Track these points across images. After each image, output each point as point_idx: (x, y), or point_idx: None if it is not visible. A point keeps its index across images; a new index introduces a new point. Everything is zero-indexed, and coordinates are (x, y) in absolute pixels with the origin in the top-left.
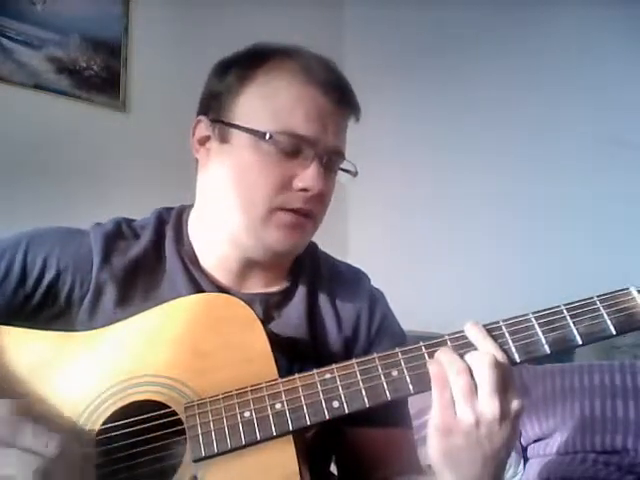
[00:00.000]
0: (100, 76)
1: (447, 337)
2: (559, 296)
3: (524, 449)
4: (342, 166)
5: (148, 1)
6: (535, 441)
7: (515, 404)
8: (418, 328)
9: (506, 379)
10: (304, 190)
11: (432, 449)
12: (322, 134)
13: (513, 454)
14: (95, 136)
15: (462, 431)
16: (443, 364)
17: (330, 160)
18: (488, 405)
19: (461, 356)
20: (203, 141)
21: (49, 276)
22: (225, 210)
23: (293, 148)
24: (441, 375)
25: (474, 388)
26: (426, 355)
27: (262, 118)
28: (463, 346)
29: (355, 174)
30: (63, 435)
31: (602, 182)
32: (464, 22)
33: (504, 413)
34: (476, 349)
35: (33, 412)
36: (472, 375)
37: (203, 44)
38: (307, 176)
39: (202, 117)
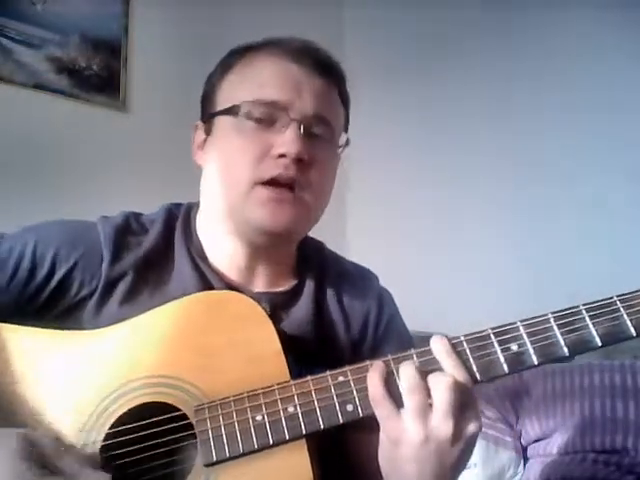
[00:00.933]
0: (100, 76)
1: (414, 352)
2: (559, 295)
3: (524, 449)
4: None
5: (148, 1)
6: (535, 441)
7: (471, 426)
8: (418, 328)
9: (464, 400)
10: (283, 156)
11: (381, 456)
12: (296, 98)
13: (513, 454)
14: (95, 136)
15: (410, 445)
16: (404, 380)
17: (311, 126)
18: (440, 425)
19: (424, 373)
20: (201, 145)
21: (59, 272)
22: (218, 197)
23: (267, 116)
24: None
25: (427, 407)
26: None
27: (237, 96)
28: (429, 363)
29: (346, 144)
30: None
31: (602, 182)
32: (464, 22)
33: (457, 434)
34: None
35: (42, 460)
36: (429, 393)
37: (203, 44)
38: (283, 140)
39: (198, 122)
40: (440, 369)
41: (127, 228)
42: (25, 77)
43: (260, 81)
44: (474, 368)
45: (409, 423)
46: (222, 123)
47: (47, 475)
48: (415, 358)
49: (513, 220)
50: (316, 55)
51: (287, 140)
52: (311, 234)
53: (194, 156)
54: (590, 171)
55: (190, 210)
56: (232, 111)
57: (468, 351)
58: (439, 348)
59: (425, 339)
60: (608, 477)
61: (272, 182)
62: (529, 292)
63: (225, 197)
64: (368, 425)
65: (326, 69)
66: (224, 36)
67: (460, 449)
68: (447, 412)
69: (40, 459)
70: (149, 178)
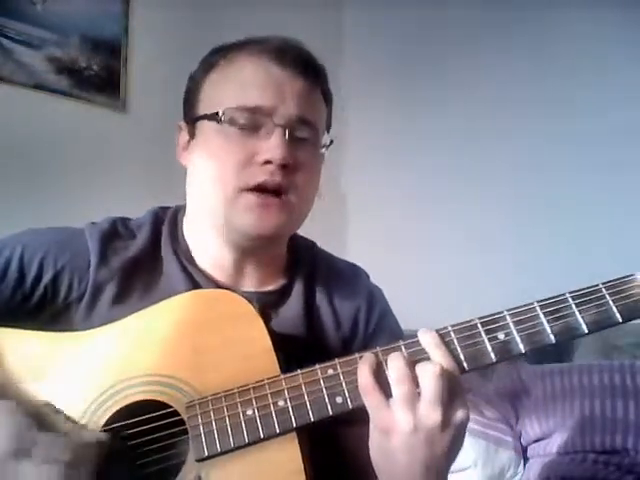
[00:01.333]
0: (100, 76)
1: (402, 344)
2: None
3: (524, 449)
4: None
5: (148, 1)
6: (535, 441)
7: (459, 414)
8: (417, 327)
9: (452, 388)
10: (268, 162)
11: (371, 447)
12: (279, 102)
13: (513, 454)
14: (95, 136)
15: (399, 434)
16: (392, 369)
17: (295, 129)
18: (429, 413)
19: (412, 362)
20: (186, 146)
21: (47, 277)
22: (204, 202)
23: (251, 122)
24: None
25: (416, 396)
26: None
27: (219, 101)
28: (417, 353)
29: (329, 144)
30: (75, 438)
31: (602, 182)
32: (464, 22)
33: (446, 422)
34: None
35: (39, 418)
36: (416, 382)
37: (203, 44)
38: (268, 146)
39: (181, 123)
40: (428, 359)
41: (114, 233)
42: (25, 77)
43: (242, 84)
44: (461, 357)
45: (398, 412)
46: (205, 128)
47: (43, 429)
48: (403, 349)
49: (513, 223)
50: (297, 54)
51: (272, 146)
52: (312, 239)
53: (178, 157)
54: (590, 171)
55: (177, 213)
56: (215, 117)
57: (456, 341)
58: (427, 340)
59: None
60: (608, 477)
61: (258, 188)
62: (529, 293)
63: (211, 202)
64: (359, 418)
65: (308, 69)
66: (224, 37)
67: (449, 437)
68: (435, 400)
69: (35, 416)
70: (149, 178)
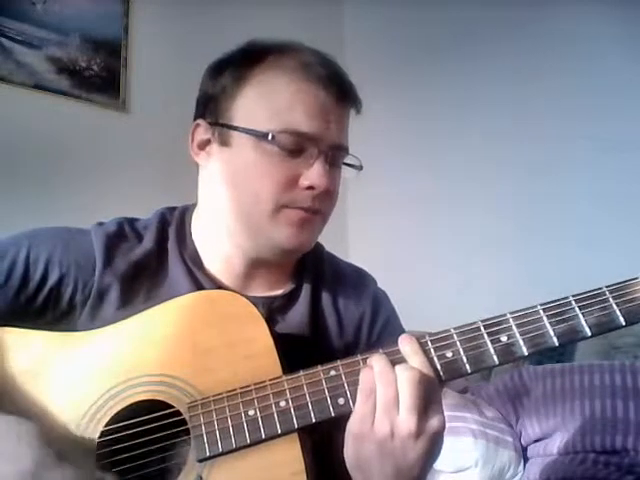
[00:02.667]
0: (100, 76)
1: (381, 351)
2: (560, 294)
3: (524, 449)
4: (346, 161)
5: (148, 1)
6: (535, 441)
7: (434, 422)
8: (418, 328)
9: (428, 396)
10: (310, 188)
11: (346, 452)
12: (325, 130)
13: (513, 454)
14: (95, 136)
15: (375, 440)
16: (375, 373)
17: (334, 156)
18: (405, 420)
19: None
20: (203, 145)
21: (52, 278)
22: (228, 212)
23: (296, 146)
24: (370, 384)
25: (397, 401)
26: (432, 351)
27: (262, 118)
28: (398, 360)
29: (360, 168)
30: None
31: (601, 184)
32: (464, 20)
33: (420, 430)
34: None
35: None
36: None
37: (203, 44)
38: (313, 174)
39: (200, 121)
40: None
41: (120, 234)
42: (25, 77)
43: (287, 108)
44: (438, 366)
45: (378, 417)
46: (242, 140)
47: (63, 462)
48: (380, 352)
49: (514, 223)
50: (341, 80)
51: (316, 174)
52: None
53: (194, 154)
54: (589, 170)
55: (184, 214)
56: (260, 135)
57: (432, 351)
58: (406, 349)
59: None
60: (608, 477)
61: (300, 207)
62: (530, 293)
63: (242, 215)
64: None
65: (349, 95)
66: (224, 36)
67: (423, 444)
68: (411, 406)
69: (55, 448)
70: (149, 178)
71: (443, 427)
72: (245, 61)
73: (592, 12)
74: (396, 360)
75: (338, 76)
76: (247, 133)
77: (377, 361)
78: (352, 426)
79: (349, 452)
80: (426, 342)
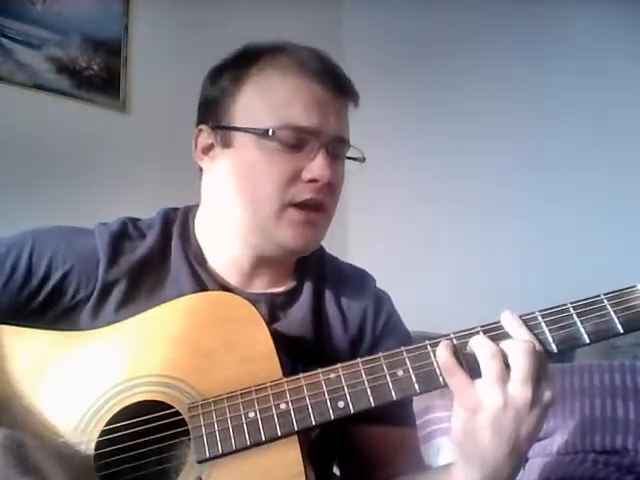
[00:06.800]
0: (100, 76)
1: (479, 327)
2: (560, 295)
3: None
4: (349, 154)
5: (148, 1)
6: (535, 441)
7: (547, 394)
8: (418, 328)
9: (541, 368)
10: (313, 181)
11: (454, 427)
12: (324, 123)
13: None
14: (95, 136)
15: (488, 411)
16: (476, 347)
17: (335, 148)
18: (520, 390)
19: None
20: (207, 150)
21: (55, 276)
22: (235, 211)
23: (297, 141)
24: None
25: (506, 372)
26: (431, 354)
27: (261, 116)
28: (495, 337)
29: (363, 160)
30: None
31: (604, 175)
32: (463, 21)
33: (535, 401)
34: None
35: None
36: (505, 360)
37: (203, 44)
38: (315, 166)
39: (203, 126)
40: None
41: (124, 234)
42: (25, 77)
43: (285, 103)
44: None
45: (488, 390)
46: (244, 140)
47: (31, 475)
48: (482, 333)
49: (514, 222)
50: (336, 74)
51: (318, 166)
52: None
53: (198, 159)
54: (589, 170)
55: (188, 213)
56: (261, 133)
57: (544, 324)
58: (513, 324)
59: (426, 339)
60: (608, 477)
61: (303, 204)
62: (531, 292)
63: (248, 214)
64: (376, 417)
65: (345, 89)
66: (224, 36)
67: (536, 416)
68: (527, 377)
69: (25, 459)
70: (149, 178)
71: (554, 400)
72: (242, 62)
73: (592, 10)
74: (496, 337)
75: (333, 70)
76: (248, 132)
77: (477, 338)
78: (461, 399)
79: (457, 426)
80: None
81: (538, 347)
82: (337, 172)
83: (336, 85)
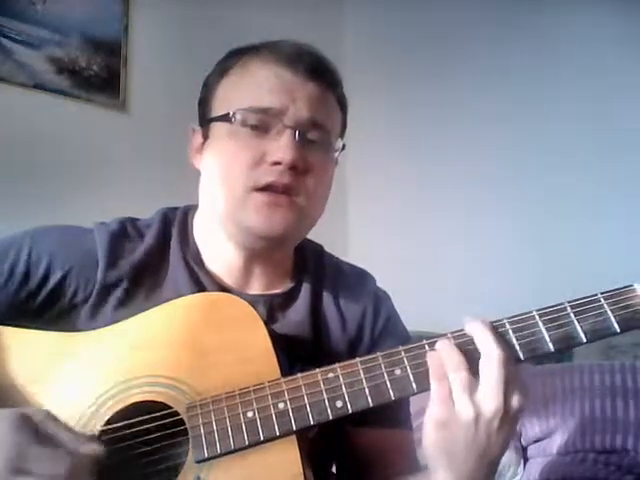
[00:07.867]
0: (100, 76)
1: (449, 334)
2: (561, 294)
3: (524, 449)
4: (337, 146)
5: (148, 1)
6: (535, 441)
7: (518, 400)
8: (418, 328)
9: (510, 376)
10: (277, 164)
11: (427, 441)
12: (289, 104)
13: (513, 454)
14: (95, 136)
15: (460, 425)
16: (442, 357)
17: (306, 132)
18: (490, 400)
19: (462, 351)
20: (199, 149)
21: (54, 277)
22: (216, 203)
23: (261, 123)
24: (440, 368)
25: (474, 382)
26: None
27: (231, 103)
28: (465, 343)
29: (342, 147)
30: (73, 450)
31: (603, 176)
32: (463, 22)
33: (506, 409)
34: (475, 346)
35: (39, 432)
36: (471, 370)
37: (203, 44)
38: (277, 147)
39: (195, 126)
40: (475, 349)
41: (123, 234)
42: (25, 77)
43: (254, 87)
44: (516, 346)
45: (459, 401)
46: (218, 129)
47: (42, 445)
48: (452, 340)
49: (515, 220)
50: (309, 59)
51: (281, 147)
52: (313, 235)
53: (192, 160)
54: (592, 165)
55: (187, 214)
56: (227, 118)
57: (511, 331)
58: (477, 332)
59: (426, 339)
60: (608, 477)
61: (267, 188)
62: (531, 291)
63: (221, 203)
64: (372, 419)
65: (320, 73)
66: (224, 36)
67: (507, 427)
68: (496, 386)
69: (35, 431)
70: (149, 178)
71: (524, 406)
72: (227, 60)
73: (592, 11)
74: (462, 344)
75: (306, 55)
76: (218, 120)
77: (443, 345)
78: (433, 413)
79: (431, 439)
80: (504, 324)
81: (504, 353)
82: (307, 156)
83: (307, 69)
